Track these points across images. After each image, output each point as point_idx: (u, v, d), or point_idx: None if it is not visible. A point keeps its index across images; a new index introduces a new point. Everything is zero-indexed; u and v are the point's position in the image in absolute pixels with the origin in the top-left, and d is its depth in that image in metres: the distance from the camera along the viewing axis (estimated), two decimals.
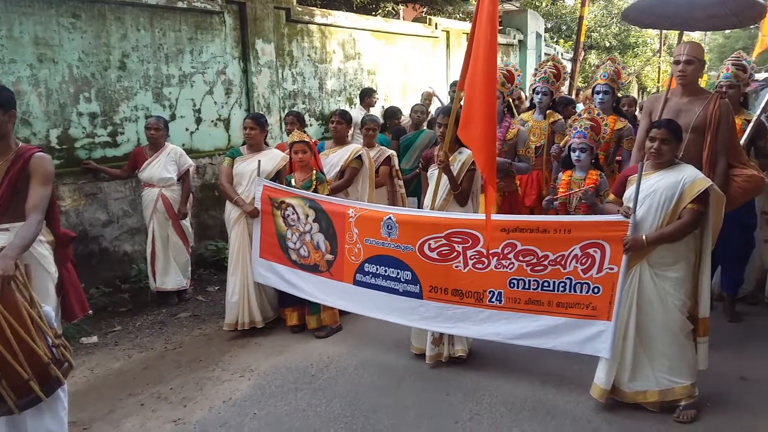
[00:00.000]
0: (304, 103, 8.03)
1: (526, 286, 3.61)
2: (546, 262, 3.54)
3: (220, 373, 4.21)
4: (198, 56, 6.66)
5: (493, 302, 3.72)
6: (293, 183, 4.73)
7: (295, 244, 4.60)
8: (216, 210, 6.60)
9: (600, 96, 5.06)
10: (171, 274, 5.61)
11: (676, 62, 4.06)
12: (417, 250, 3.90)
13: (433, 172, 4.17)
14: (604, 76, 5.09)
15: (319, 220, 4.44)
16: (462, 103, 3.71)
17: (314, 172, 4.76)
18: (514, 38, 13.18)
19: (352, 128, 7.66)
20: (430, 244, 3.86)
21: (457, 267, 3.80)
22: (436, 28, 10.41)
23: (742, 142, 4.40)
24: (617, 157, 5.28)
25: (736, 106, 4.76)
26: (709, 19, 4.62)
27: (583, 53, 17.22)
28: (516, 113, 5.66)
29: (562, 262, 3.50)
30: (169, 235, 5.58)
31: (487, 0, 3.47)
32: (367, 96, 7.99)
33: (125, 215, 5.94)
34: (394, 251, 4.01)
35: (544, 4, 18.72)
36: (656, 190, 3.32)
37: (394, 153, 5.83)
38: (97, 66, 5.73)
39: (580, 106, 8.31)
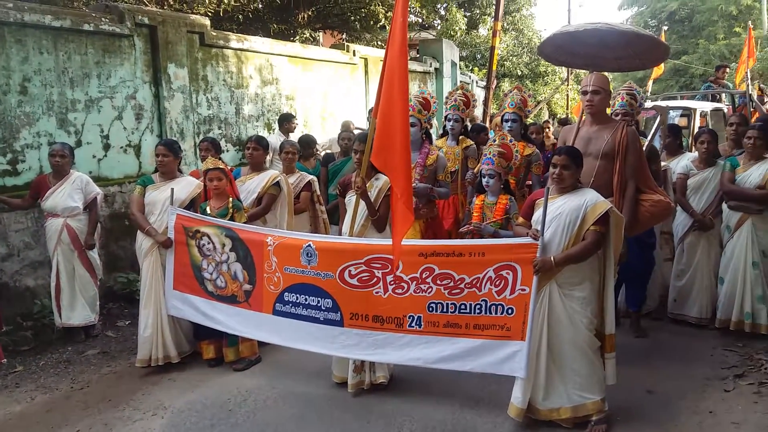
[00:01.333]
0: (220, 128, 7.87)
1: (445, 310, 3.64)
2: (462, 285, 3.59)
3: (131, 412, 3.99)
4: (106, 80, 6.42)
5: (413, 327, 3.72)
6: (208, 211, 4.59)
7: (211, 274, 4.45)
8: (126, 240, 6.32)
9: (509, 124, 5.19)
10: (78, 309, 5.29)
11: (584, 93, 4.23)
12: (337, 277, 3.86)
13: (350, 198, 4.17)
14: (512, 105, 5.22)
15: (236, 249, 4.31)
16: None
17: (230, 199, 4.63)
18: (431, 66, 13.51)
19: (271, 154, 7.57)
20: (350, 271, 3.83)
21: (377, 293, 3.78)
22: (354, 55, 10.53)
23: None
24: (528, 182, 5.46)
25: None
26: (616, 61, 4.85)
27: (496, 81, 17.88)
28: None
29: (478, 285, 3.56)
30: (75, 267, 5.28)
31: (398, 29, 3.52)
32: (286, 121, 7.93)
33: (27, 247, 5.58)
34: (315, 279, 3.94)
35: (459, 34, 19.35)
36: (561, 213, 3.45)
37: (315, 178, 5.79)
38: None
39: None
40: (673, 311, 5.41)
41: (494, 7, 13.49)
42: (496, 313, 3.54)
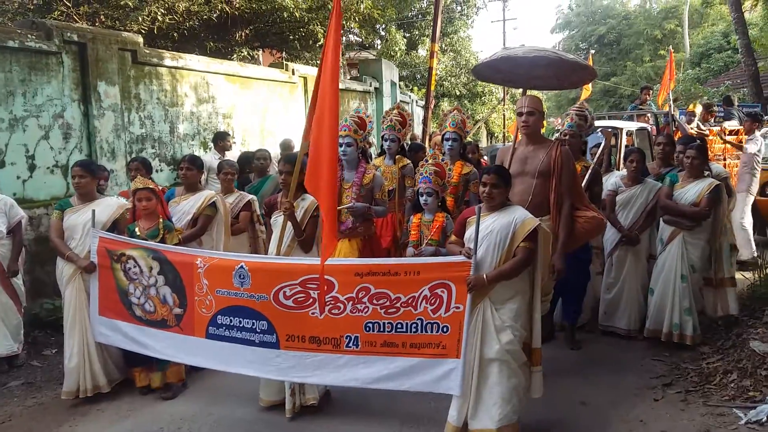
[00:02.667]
0: (153, 147, 7.68)
1: (381, 329, 3.63)
2: (398, 304, 3.59)
3: None
4: (32, 98, 6.17)
5: (350, 347, 3.69)
6: (137, 232, 4.43)
7: (138, 299, 4.29)
8: (52, 265, 5.97)
9: (449, 143, 5.28)
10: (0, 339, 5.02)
11: (519, 114, 4.36)
12: (272, 299, 3.79)
13: (277, 218, 4.16)
14: (453, 125, 5.31)
15: (165, 273, 4.18)
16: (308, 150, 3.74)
17: (161, 220, 4.49)
18: (371, 86, 13.62)
19: (206, 173, 7.41)
20: (285, 292, 3.77)
21: (313, 314, 3.73)
22: (293, 73, 10.50)
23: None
24: (466, 198, 5.55)
25: (577, 153, 5.15)
26: (545, 80, 4.93)
27: (435, 101, 18.18)
28: (370, 159, 5.78)
29: (414, 304, 3.57)
30: None
31: (330, 51, 3.55)
32: (220, 140, 7.80)
33: None
34: (248, 301, 3.86)
35: (399, 54, 19.65)
36: (492, 230, 3.51)
37: (255, 198, 5.70)
38: None
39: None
40: (603, 323, 5.58)
41: (431, 29, 13.77)
42: (431, 332, 3.55)
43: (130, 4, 8.68)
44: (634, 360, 4.95)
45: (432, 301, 3.54)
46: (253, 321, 3.86)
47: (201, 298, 4.03)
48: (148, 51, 7.64)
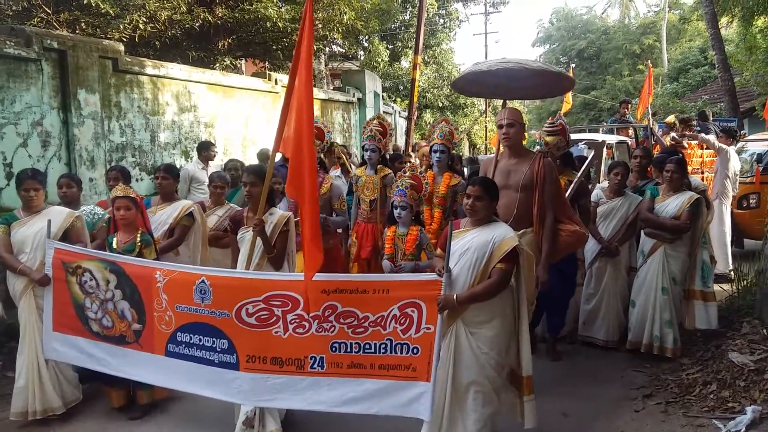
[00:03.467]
0: (134, 156, 7.60)
1: (348, 350, 3.45)
2: (367, 324, 3.42)
3: None
4: (10, 106, 6.09)
5: (315, 368, 3.48)
6: (114, 246, 4.21)
7: (95, 313, 4.07)
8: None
9: (437, 154, 5.23)
10: None
11: (500, 126, 4.31)
12: (234, 316, 3.56)
13: (243, 235, 3.99)
14: (441, 136, 5.26)
15: (122, 286, 3.95)
16: (280, 161, 3.76)
17: (139, 233, 4.27)
18: (354, 96, 13.64)
19: (189, 182, 7.35)
20: (247, 309, 3.55)
21: (276, 333, 3.51)
22: (276, 83, 10.48)
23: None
24: (454, 209, 5.52)
25: (557, 167, 5.00)
26: (524, 90, 4.95)
27: (417, 112, 18.26)
28: (327, 169, 5.92)
29: (383, 323, 3.39)
30: None
31: (303, 56, 3.52)
32: (204, 149, 7.75)
33: None
34: (209, 318, 3.63)
35: (382, 66, 19.72)
36: (470, 248, 3.34)
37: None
38: None
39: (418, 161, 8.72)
40: (582, 333, 5.63)
41: (414, 40, 13.84)
42: (401, 353, 3.37)
43: (112, 12, 8.60)
44: (615, 371, 4.99)
45: (402, 321, 3.36)
46: (214, 339, 3.64)
47: (160, 313, 3.81)
48: (129, 59, 7.58)
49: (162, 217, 4.85)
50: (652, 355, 5.11)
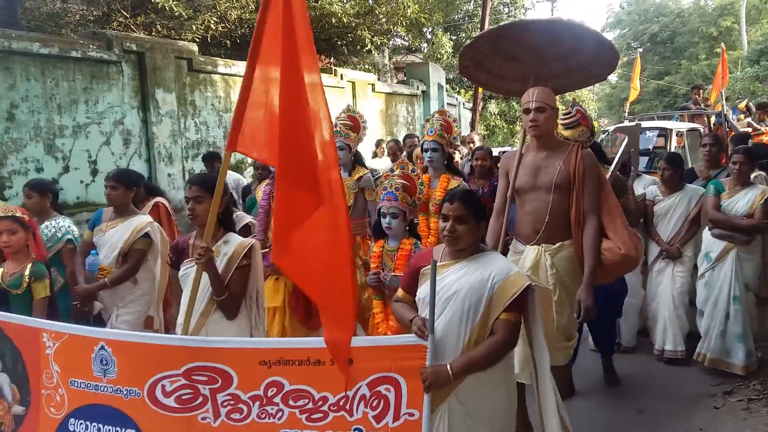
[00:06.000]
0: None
1: None
2: (326, 407, 2.47)
3: None
4: (94, 106, 6.44)
5: None
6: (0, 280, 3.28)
7: None
8: None
9: (428, 154, 4.35)
10: None
11: (526, 111, 3.36)
12: (146, 396, 2.57)
13: (187, 270, 2.94)
14: (431, 132, 4.36)
15: (2, 352, 2.87)
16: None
17: (31, 264, 3.30)
18: (418, 89, 13.66)
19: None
20: (164, 386, 2.55)
21: (204, 419, 2.53)
22: (342, 78, 10.63)
23: None
24: None
25: None
26: (551, 77, 3.79)
27: (482, 103, 18.07)
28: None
29: (348, 407, 2.44)
30: None
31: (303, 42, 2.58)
32: None
33: None
34: (113, 398, 2.62)
35: (445, 57, 19.59)
36: (458, 292, 2.39)
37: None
38: None
39: (464, 150, 8.44)
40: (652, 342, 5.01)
41: (479, 31, 13.70)
42: None
43: (185, 13, 8.95)
44: (690, 369, 4.73)
45: (374, 404, 2.42)
46: (118, 429, 2.64)
47: (50, 391, 2.75)
48: (202, 59, 7.87)
49: (111, 239, 3.85)
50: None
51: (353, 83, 10.98)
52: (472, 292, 2.37)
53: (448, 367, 2.29)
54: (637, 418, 4.00)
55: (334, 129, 4.24)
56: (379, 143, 9.55)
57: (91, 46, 6.47)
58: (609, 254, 3.25)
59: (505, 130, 22.03)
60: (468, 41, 4.06)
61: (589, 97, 33.80)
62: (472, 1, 22.28)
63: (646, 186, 5.15)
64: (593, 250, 3.24)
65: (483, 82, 4.22)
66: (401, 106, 12.82)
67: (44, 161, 5.94)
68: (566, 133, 4.08)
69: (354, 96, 10.97)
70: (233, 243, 2.95)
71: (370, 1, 11.89)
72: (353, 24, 11.05)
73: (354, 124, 4.48)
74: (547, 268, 3.28)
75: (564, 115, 4.12)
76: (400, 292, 2.67)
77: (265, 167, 4.86)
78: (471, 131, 12.72)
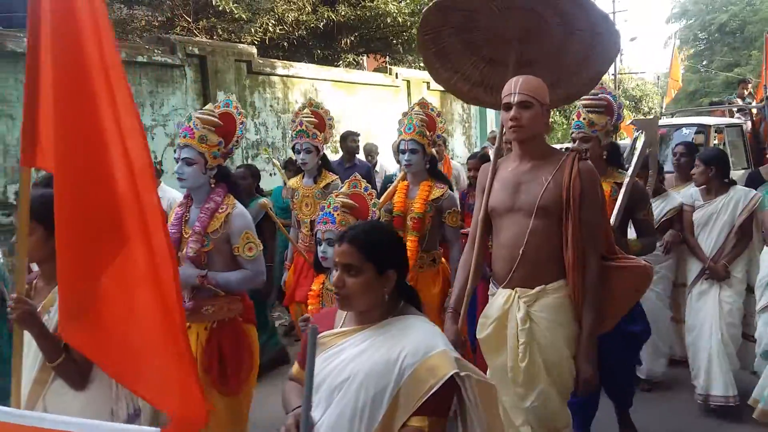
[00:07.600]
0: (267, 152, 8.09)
1: None
2: None
3: None
4: (159, 109, 6.69)
5: None
6: None
7: None
8: None
9: (406, 156, 3.51)
10: None
11: (506, 106, 2.47)
12: None
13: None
14: (409, 129, 3.51)
15: None
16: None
17: None
18: None
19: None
20: None
21: None
22: (397, 77, 10.67)
23: (612, 219, 3.01)
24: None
25: (600, 166, 3.14)
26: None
27: None
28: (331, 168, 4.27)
29: None
30: None
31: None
32: (349, 139, 6.83)
33: None
34: None
35: None
36: (352, 377, 1.65)
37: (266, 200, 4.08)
38: None
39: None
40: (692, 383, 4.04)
41: None
42: None
43: (244, 17, 9.17)
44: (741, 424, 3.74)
45: None
46: None
47: None
48: (261, 61, 8.06)
49: None
50: None
51: (408, 82, 11.00)
52: (370, 379, 1.60)
53: None
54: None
55: (299, 128, 3.89)
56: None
57: (155, 50, 6.73)
58: (622, 270, 2.53)
59: (565, 126, 21.57)
60: None
61: (653, 91, 32.70)
62: None
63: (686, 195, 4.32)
64: (595, 296, 2.42)
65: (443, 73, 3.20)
66: (456, 104, 12.75)
67: None
68: (594, 117, 3.28)
69: (409, 94, 10.99)
70: None
71: (426, 0, 11.90)
72: (408, 23, 11.06)
73: (319, 121, 4.02)
74: (518, 322, 2.39)
75: (592, 96, 3.32)
76: (295, 368, 1.92)
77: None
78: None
